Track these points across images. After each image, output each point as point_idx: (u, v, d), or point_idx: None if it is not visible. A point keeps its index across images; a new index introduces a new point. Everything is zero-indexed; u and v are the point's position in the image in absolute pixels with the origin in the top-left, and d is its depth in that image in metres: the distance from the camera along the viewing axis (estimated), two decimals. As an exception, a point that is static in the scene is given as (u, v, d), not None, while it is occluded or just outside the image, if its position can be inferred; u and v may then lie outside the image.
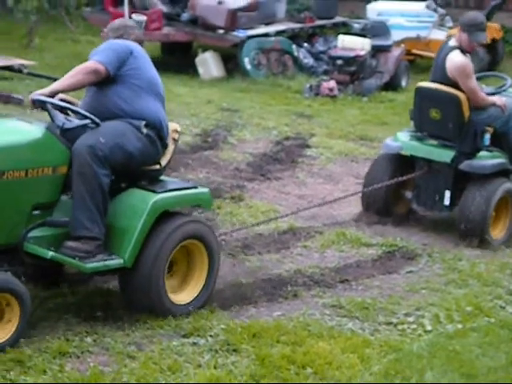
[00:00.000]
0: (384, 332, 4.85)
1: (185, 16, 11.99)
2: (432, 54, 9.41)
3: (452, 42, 6.52)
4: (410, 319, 5.04)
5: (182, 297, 4.86)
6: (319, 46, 12.63)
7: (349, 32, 12.21)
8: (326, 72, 11.82)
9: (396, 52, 11.98)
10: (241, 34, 11.81)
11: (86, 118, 4.67)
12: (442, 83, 6.47)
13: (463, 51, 6.42)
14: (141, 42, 5.00)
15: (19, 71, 10.78)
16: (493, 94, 6.68)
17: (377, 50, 11.76)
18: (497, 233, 6.51)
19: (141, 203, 4.65)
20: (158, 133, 4.83)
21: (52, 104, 4.63)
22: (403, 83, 12.04)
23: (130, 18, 11.39)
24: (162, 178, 4.98)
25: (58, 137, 4.56)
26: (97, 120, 4.67)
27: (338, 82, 11.29)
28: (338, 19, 13.60)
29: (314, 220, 6.78)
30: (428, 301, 5.30)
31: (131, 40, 4.92)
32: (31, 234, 4.48)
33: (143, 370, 4.20)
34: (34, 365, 4.16)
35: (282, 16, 12.77)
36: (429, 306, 5.21)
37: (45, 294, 4.97)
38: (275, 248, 6.12)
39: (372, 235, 6.49)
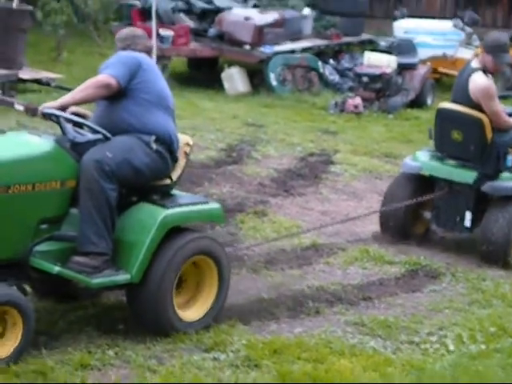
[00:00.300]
0: (406, 351, 4.82)
1: (212, 31, 12.06)
2: (458, 73, 9.37)
3: (475, 63, 6.49)
4: (433, 339, 5.00)
5: (191, 314, 4.79)
6: (345, 62, 12.64)
7: (375, 49, 12.21)
8: (351, 89, 11.82)
9: (422, 70, 11.96)
10: (267, 49, 11.85)
11: (97, 132, 4.66)
12: (463, 104, 6.44)
13: (486, 72, 6.39)
14: (148, 52, 4.99)
15: (47, 84, 10.90)
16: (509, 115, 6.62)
17: (403, 68, 11.75)
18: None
19: (150, 218, 4.59)
20: (168, 147, 4.80)
21: (64, 117, 4.61)
22: (429, 101, 12.01)
23: (158, 33, 11.49)
24: (174, 192, 4.92)
25: (67, 150, 4.54)
26: (108, 134, 4.65)
27: (364, 99, 11.28)
28: (365, 36, 13.61)
29: (337, 236, 6.76)
30: (451, 320, 5.26)
31: (139, 50, 4.89)
32: (38, 249, 4.44)
33: (164, 384, 4.20)
34: (56, 376, 4.17)
35: (309, 32, 12.81)
36: (452, 326, 5.17)
37: (65, 306, 4.98)
38: (298, 264, 6.11)
39: (395, 253, 6.45)
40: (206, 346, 4.62)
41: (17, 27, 10.79)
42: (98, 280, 4.48)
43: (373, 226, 7.02)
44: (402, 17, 13.55)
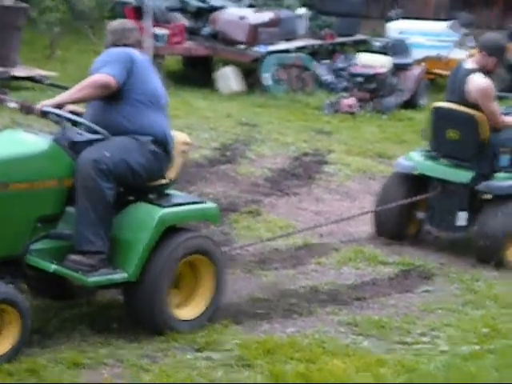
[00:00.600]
0: (399, 351, 4.82)
1: (206, 30, 12.05)
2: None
3: (470, 64, 6.51)
4: (426, 339, 5.00)
5: (187, 313, 4.80)
6: (339, 63, 12.65)
7: (369, 50, 12.22)
8: (345, 89, 11.83)
9: (416, 70, 11.97)
10: (261, 49, 11.85)
11: (95, 131, 4.65)
12: (459, 103, 6.45)
13: (484, 73, 6.42)
14: (139, 44, 4.94)
15: (40, 82, 10.89)
16: (507, 114, 6.65)
17: (397, 68, 11.77)
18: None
19: (146, 217, 4.60)
20: (163, 147, 4.79)
21: (63, 116, 4.60)
22: (423, 102, 12.03)
23: (153, 31, 11.47)
24: (171, 191, 4.92)
25: (65, 149, 4.53)
26: (107, 134, 4.65)
27: (358, 99, 11.29)
28: (359, 37, 13.62)
29: (331, 236, 6.77)
30: (444, 321, 5.27)
31: (130, 43, 4.85)
32: (34, 247, 4.44)
33: (157, 383, 4.19)
34: (49, 375, 4.16)
35: (303, 32, 12.81)
36: (445, 327, 5.18)
37: (60, 304, 4.98)
38: (291, 264, 6.11)
39: (389, 253, 6.46)
40: (199, 346, 4.62)
41: (11, 25, 10.77)
42: (94, 278, 4.49)
43: (366, 226, 7.03)
44: (397, 18, 13.57)
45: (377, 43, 12.41)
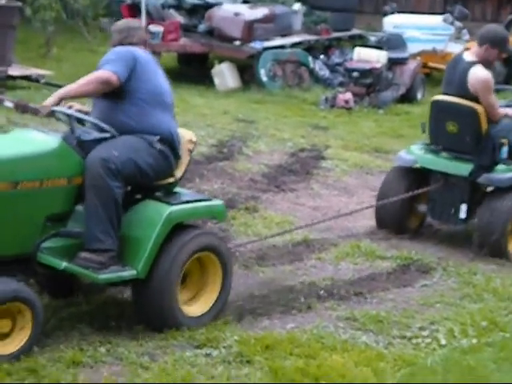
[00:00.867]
0: (398, 346, 4.83)
1: (201, 27, 12.04)
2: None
3: (468, 57, 6.51)
4: (425, 333, 5.01)
5: (195, 309, 4.84)
6: (335, 58, 12.65)
7: (365, 44, 12.22)
8: (341, 84, 11.83)
9: (412, 65, 11.97)
10: (257, 45, 11.84)
11: (103, 130, 4.67)
12: (458, 96, 6.46)
13: (484, 66, 6.43)
14: (144, 43, 4.96)
15: (36, 81, 10.88)
16: (506, 106, 6.68)
17: (393, 63, 11.77)
18: (513, 247, 6.48)
19: (155, 215, 4.64)
20: (170, 146, 4.81)
21: (72, 115, 4.63)
22: (419, 96, 12.04)
23: (147, 28, 11.46)
24: (177, 189, 4.97)
25: (73, 148, 4.57)
26: (115, 132, 4.68)
27: (354, 94, 11.29)
28: (355, 31, 13.62)
29: (329, 232, 6.77)
30: (443, 315, 5.27)
31: (135, 42, 4.87)
32: (45, 245, 4.48)
33: (156, 381, 4.19)
34: (48, 374, 4.16)
35: (299, 28, 12.80)
36: (443, 321, 5.18)
37: (58, 303, 4.97)
38: (289, 260, 6.11)
39: (387, 248, 6.46)
40: (199, 343, 4.62)
41: (5, 24, 10.75)
42: (104, 276, 4.52)
43: (364, 221, 7.03)
44: (392, 12, 13.56)
45: (372, 38, 12.41)
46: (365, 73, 11.38)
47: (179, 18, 12.16)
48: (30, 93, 10.32)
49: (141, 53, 4.84)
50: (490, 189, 6.54)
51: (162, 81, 4.90)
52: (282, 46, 12.12)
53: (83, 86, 4.65)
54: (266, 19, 12.09)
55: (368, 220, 7.03)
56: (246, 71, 12.04)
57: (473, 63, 6.44)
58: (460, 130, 6.49)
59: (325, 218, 6.94)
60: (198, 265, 4.88)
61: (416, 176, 6.72)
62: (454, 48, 12.55)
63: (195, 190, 6.89)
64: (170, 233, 4.66)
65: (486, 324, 5.14)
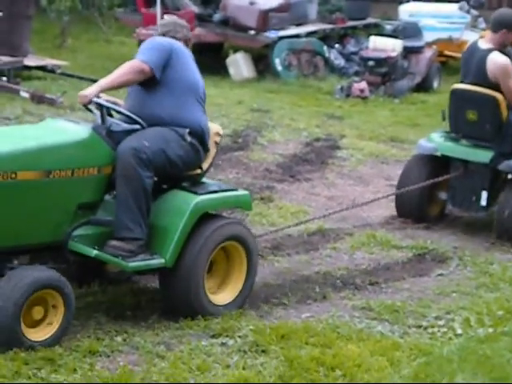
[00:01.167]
0: (414, 335, 4.82)
1: (216, 17, 12.03)
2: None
3: (483, 45, 6.48)
4: (441, 323, 5.00)
5: (221, 298, 4.90)
6: (350, 47, 12.60)
7: (380, 33, 12.16)
8: (357, 73, 11.79)
9: (428, 53, 11.91)
10: (272, 34, 11.82)
11: (134, 121, 4.74)
12: (477, 84, 6.44)
13: (501, 52, 6.40)
14: (187, 42, 5.03)
15: (52, 71, 10.92)
16: None
17: (408, 52, 11.71)
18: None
19: (183, 204, 4.70)
20: (200, 139, 4.87)
21: (106, 107, 4.69)
22: (435, 84, 11.98)
23: (162, 18, 11.46)
24: (204, 180, 5.02)
25: (103, 138, 4.63)
26: (144, 124, 4.74)
27: (369, 83, 11.25)
28: (370, 20, 13.56)
29: (344, 222, 6.76)
30: (459, 304, 5.26)
31: (178, 38, 4.95)
32: (76, 233, 4.54)
33: (172, 370, 4.21)
34: (65, 363, 4.18)
35: (314, 17, 12.77)
36: (459, 310, 5.17)
37: (75, 292, 4.98)
38: (304, 249, 6.11)
39: (402, 238, 6.45)
40: (214, 332, 4.63)
41: (21, 14, 10.79)
42: (134, 264, 4.58)
43: (380, 210, 7.02)
44: (408, 0, 13.49)
45: (388, 26, 12.35)
46: (380, 62, 11.34)
47: (194, 8, 12.15)
48: (45, 83, 10.35)
49: (178, 45, 4.91)
50: (510, 176, 6.52)
51: (196, 74, 4.95)
52: (297, 36, 12.09)
53: (119, 76, 4.71)
54: (281, 8, 12.06)
55: (383, 210, 7.02)
56: (261, 61, 12.02)
57: (490, 50, 6.41)
58: (480, 118, 6.48)
59: (341, 207, 6.93)
60: (224, 254, 4.93)
61: (436, 164, 6.72)
62: (470, 36, 12.46)
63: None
64: (197, 222, 4.71)
65: (502, 313, 5.12)
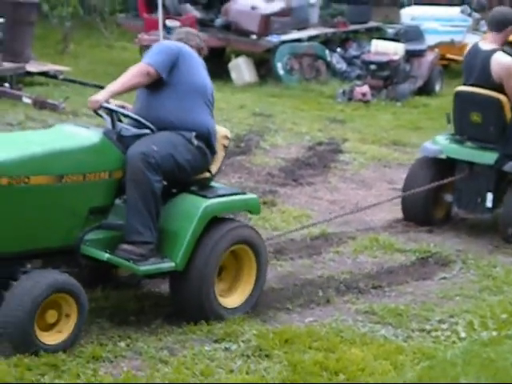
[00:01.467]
0: (417, 339, 4.81)
1: (218, 21, 12.05)
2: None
3: (485, 46, 6.48)
4: (444, 326, 4.99)
5: (231, 301, 4.91)
6: (352, 50, 12.61)
7: (382, 37, 12.17)
8: (359, 77, 11.80)
9: (430, 57, 11.92)
10: (274, 39, 11.83)
11: (144, 125, 4.77)
12: (481, 86, 6.45)
13: (504, 52, 6.42)
14: (200, 50, 5.05)
15: (54, 77, 10.93)
16: None
17: (410, 55, 11.72)
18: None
19: (192, 208, 4.73)
20: (207, 142, 4.89)
21: (116, 112, 4.72)
22: (437, 88, 11.98)
23: (164, 23, 11.48)
24: (212, 183, 5.05)
25: (114, 142, 4.66)
26: (153, 128, 4.77)
27: (371, 87, 11.26)
28: (372, 24, 13.57)
29: (347, 225, 6.75)
30: (462, 308, 5.25)
31: (190, 45, 4.98)
32: (88, 237, 4.57)
33: (175, 375, 4.21)
34: (68, 369, 4.18)
35: (315, 21, 12.78)
36: (463, 313, 5.16)
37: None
38: (307, 253, 6.11)
39: (405, 241, 6.45)
40: (217, 337, 4.63)
41: (24, 20, 10.80)
42: (145, 267, 4.61)
43: (383, 214, 7.01)
44: (409, 4, 13.50)
45: (390, 30, 12.36)
46: (382, 65, 11.34)
47: (196, 13, 12.16)
48: (47, 89, 10.36)
49: (187, 49, 4.93)
50: None
51: (204, 78, 4.97)
52: (298, 40, 12.10)
53: (126, 80, 4.75)
54: (282, 13, 12.07)
55: (386, 213, 7.01)
56: (263, 65, 12.03)
57: (493, 51, 6.41)
58: (484, 120, 6.49)
59: (344, 211, 6.93)
60: (233, 257, 4.95)
61: (441, 166, 6.72)
62: (472, 39, 12.43)
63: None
64: (207, 226, 4.74)
65: (506, 316, 5.11)
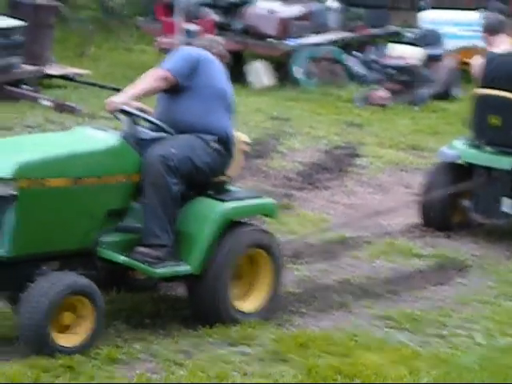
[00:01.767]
0: (434, 344, 4.79)
1: (236, 25, 12.06)
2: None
3: (498, 49, 6.50)
4: (461, 332, 4.97)
5: (247, 305, 4.91)
6: (371, 54, 12.57)
7: (401, 41, 12.13)
8: (377, 81, 11.75)
9: (448, 61, 11.86)
10: (292, 42, 11.82)
11: (162, 129, 4.78)
12: (503, 89, 6.42)
13: None
14: (222, 58, 5.07)
15: (73, 80, 10.99)
16: None
17: (429, 59, 11.67)
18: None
19: (209, 212, 4.74)
20: (225, 146, 4.91)
21: (134, 114, 4.74)
22: (455, 92, 11.92)
23: (183, 27, 11.50)
24: (230, 187, 5.04)
25: (132, 145, 4.68)
26: (172, 132, 4.79)
27: (390, 91, 11.22)
28: (390, 28, 13.53)
29: (364, 230, 6.73)
30: (479, 313, 5.23)
31: (212, 53, 5.01)
32: (104, 239, 4.58)
33: (191, 378, 4.21)
34: (84, 371, 4.19)
35: (334, 25, 12.75)
36: (480, 319, 5.14)
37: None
38: (324, 258, 6.10)
39: (422, 246, 6.42)
40: (233, 340, 4.63)
41: (44, 23, 10.87)
42: (161, 270, 4.62)
43: (400, 219, 6.99)
44: (426, 8, 13.45)
45: (408, 34, 12.31)
46: (400, 69, 11.30)
47: (214, 17, 12.18)
48: (66, 92, 10.41)
49: (207, 55, 4.96)
50: None
51: (224, 83, 5.00)
52: (317, 44, 12.08)
53: (143, 84, 4.80)
54: (301, 17, 12.06)
55: (403, 218, 6.98)
56: (281, 69, 12.02)
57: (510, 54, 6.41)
58: (503, 123, 6.46)
59: (362, 215, 6.91)
60: (249, 261, 4.94)
61: (459, 171, 6.70)
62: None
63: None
64: (224, 230, 4.74)
65: (524, 323, 5.08)
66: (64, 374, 4.16)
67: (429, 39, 11.88)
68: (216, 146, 4.84)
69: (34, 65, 10.33)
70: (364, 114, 10.69)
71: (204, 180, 4.86)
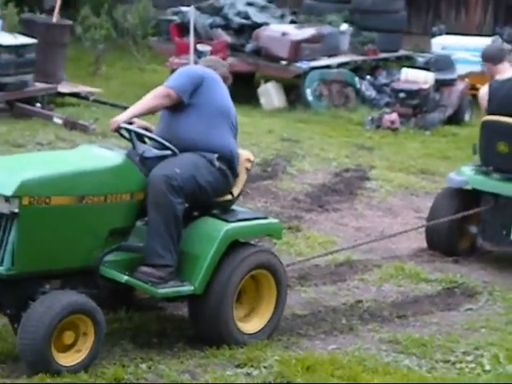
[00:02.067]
0: (441, 370, 4.76)
1: (249, 47, 12.11)
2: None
3: (504, 76, 6.52)
4: (469, 358, 4.93)
5: (250, 326, 4.89)
6: (382, 78, 12.60)
7: (412, 65, 12.16)
8: (388, 104, 11.77)
9: (460, 86, 11.87)
10: (304, 65, 11.86)
11: (165, 147, 4.78)
12: (508, 116, 6.41)
13: None
14: (225, 79, 5.09)
15: (85, 98, 11.04)
16: None
17: (440, 84, 11.68)
18: None
19: (213, 232, 4.72)
20: (229, 164, 4.90)
21: (136, 133, 4.75)
22: (467, 117, 11.92)
23: (195, 48, 11.56)
24: (234, 207, 5.04)
25: (136, 164, 4.68)
26: (176, 150, 4.78)
27: (400, 115, 11.23)
28: (402, 52, 13.57)
29: (372, 253, 6.72)
30: (488, 340, 5.19)
31: (218, 74, 5.02)
32: (107, 258, 4.57)
33: (196, 399, 4.19)
34: (89, 389, 4.19)
35: (346, 48, 12.80)
36: (488, 346, 5.10)
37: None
38: (332, 280, 6.08)
39: (431, 271, 6.39)
40: (239, 362, 4.61)
41: (56, 42, 10.94)
42: (163, 290, 4.60)
43: (408, 242, 6.96)
44: (440, 33, 13.49)
45: (420, 59, 12.34)
46: (412, 93, 11.32)
47: (227, 38, 12.24)
48: (78, 110, 10.46)
49: (211, 73, 4.98)
50: None
51: (228, 102, 5.00)
52: (328, 66, 12.12)
53: (147, 102, 4.81)
54: (313, 39, 12.11)
55: (412, 242, 6.96)
56: (292, 91, 12.06)
57: None
58: (511, 150, 6.44)
59: (370, 238, 6.89)
60: (253, 282, 4.93)
61: (466, 197, 6.68)
62: (503, 70, 12.40)
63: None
64: (227, 250, 4.72)
65: (532, 350, 5.04)
66: (69, 392, 4.15)
67: (441, 64, 11.90)
68: (219, 164, 4.82)
69: (47, 83, 10.39)
70: (374, 137, 10.69)
71: (207, 199, 4.85)
